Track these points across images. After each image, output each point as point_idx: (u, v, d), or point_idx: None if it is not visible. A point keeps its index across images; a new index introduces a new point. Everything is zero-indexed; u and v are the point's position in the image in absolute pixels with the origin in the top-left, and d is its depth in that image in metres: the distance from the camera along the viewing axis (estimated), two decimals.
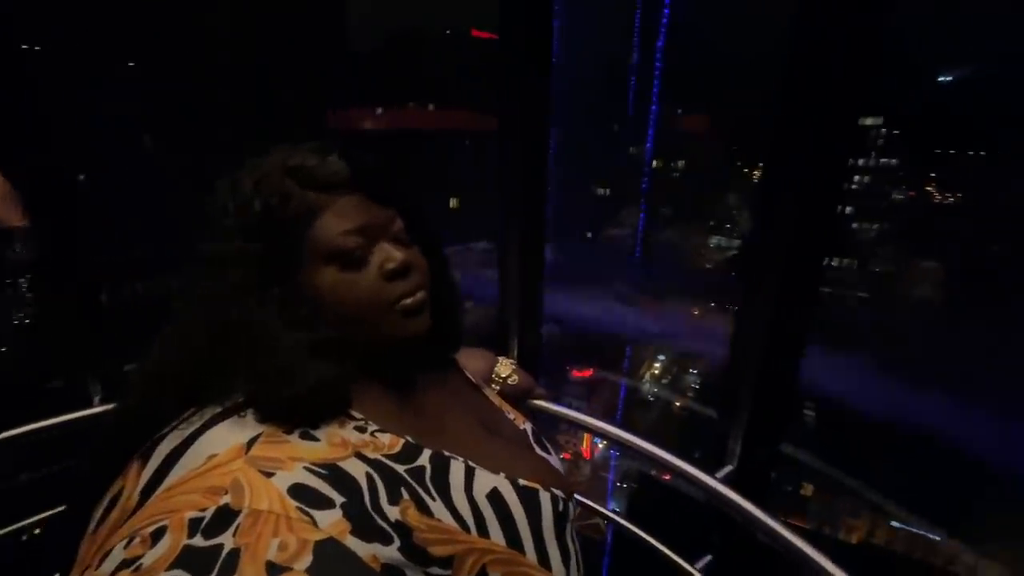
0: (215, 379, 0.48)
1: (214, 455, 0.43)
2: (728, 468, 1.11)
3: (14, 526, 1.15)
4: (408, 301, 0.55)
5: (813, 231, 0.89)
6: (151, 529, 0.38)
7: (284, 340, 0.49)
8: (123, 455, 0.47)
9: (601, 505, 1.20)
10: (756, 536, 0.89)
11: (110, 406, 1.28)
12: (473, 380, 0.80)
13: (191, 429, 0.46)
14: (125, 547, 0.38)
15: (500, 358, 1.01)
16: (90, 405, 1.34)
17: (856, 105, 0.88)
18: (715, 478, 0.93)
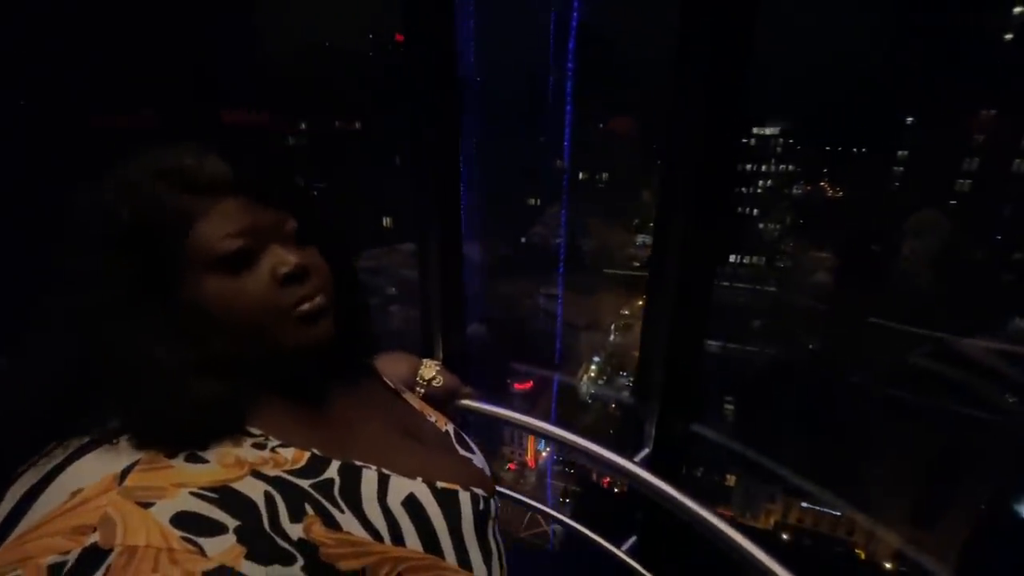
0: (81, 408, 0.43)
1: (79, 490, 0.38)
2: (645, 451, 1.17)
3: None
4: (306, 307, 0.51)
5: (706, 230, 0.97)
6: None
7: (164, 360, 0.44)
8: None
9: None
10: (675, 514, 0.94)
11: None
12: (392, 385, 0.78)
13: (52, 464, 0.40)
14: None
15: (424, 360, 0.99)
16: None
17: (738, 105, 0.96)
18: (633, 462, 0.98)
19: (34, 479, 0.39)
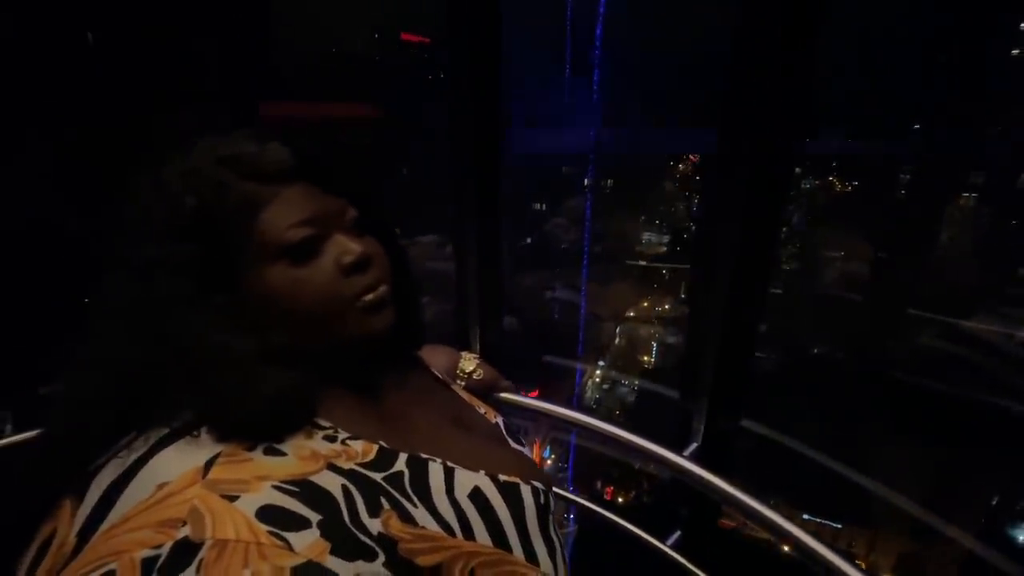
0: (156, 399, 0.43)
1: (165, 483, 0.38)
2: (693, 446, 1.15)
3: None
4: (370, 296, 0.51)
5: (764, 216, 0.93)
6: None
7: (234, 350, 0.44)
8: (50, 493, 0.41)
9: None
10: (723, 509, 0.92)
11: (29, 435, 1.15)
12: (440, 376, 0.78)
13: (134, 456, 0.40)
14: None
15: (463, 353, 0.99)
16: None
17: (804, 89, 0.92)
18: (683, 456, 0.96)
19: (118, 471, 0.39)
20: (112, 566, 0.33)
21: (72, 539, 0.37)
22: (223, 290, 0.46)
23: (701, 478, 0.92)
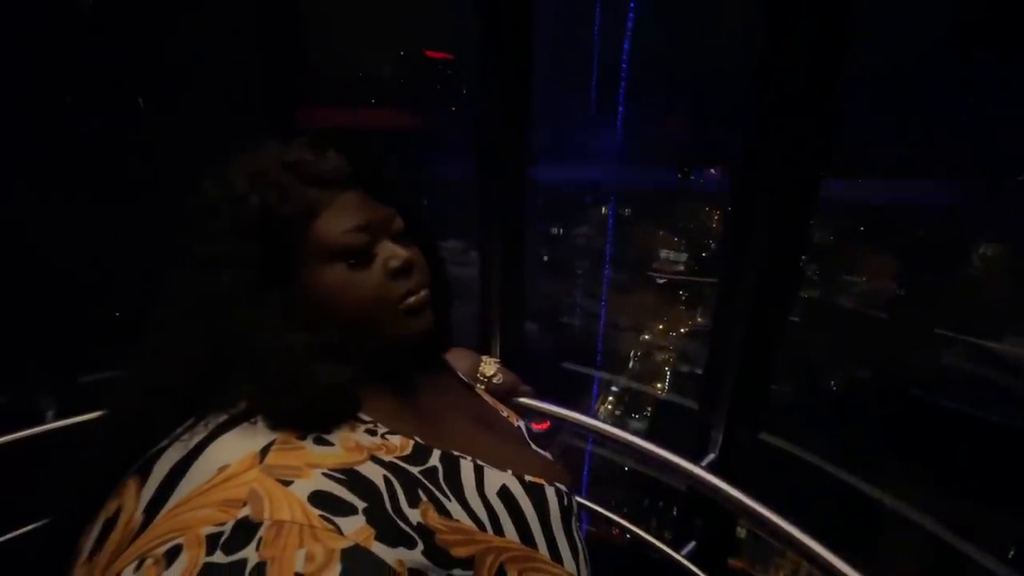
0: (217, 387, 0.46)
1: (226, 466, 0.41)
2: (711, 456, 1.15)
3: None
4: (412, 300, 0.54)
5: (788, 228, 0.94)
6: (163, 549, 0.36)
7: (290, 344, 0.47)
8: (115, 471, 0.44)
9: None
10: (739, 520, 0.93)
11: (71, 421, 1.20)
12: (465, 379, 0.80)
13: (196, 439, 0.43)
14: (136, 570, 0.35)
15: (484, 357, 1.01)
16: (43, 421, 1.26)
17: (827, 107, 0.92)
18: (700, 466, 0.96)
19: (181, 453, 0.42)
20: (179, 540, 0.36)
21: (139, 515, 0.39)
22: (280, 287, 0.49)
23: (718, 488, 0.92)
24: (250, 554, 0.36)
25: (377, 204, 0.54)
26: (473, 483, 0.51)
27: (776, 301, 1.02)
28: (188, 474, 0.41)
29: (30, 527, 1.05)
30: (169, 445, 0.44)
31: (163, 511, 0.39)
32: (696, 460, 1.00)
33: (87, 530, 0.43)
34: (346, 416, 0.49)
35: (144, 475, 0.42)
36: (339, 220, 0.51)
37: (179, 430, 0.45)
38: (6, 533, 1.10)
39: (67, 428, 1.21)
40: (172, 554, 0.35)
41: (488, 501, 0.51)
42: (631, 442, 1.05)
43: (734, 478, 0.94)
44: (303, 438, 0.45)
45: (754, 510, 0.88)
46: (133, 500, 0.41)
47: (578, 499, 1.17)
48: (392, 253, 0.53)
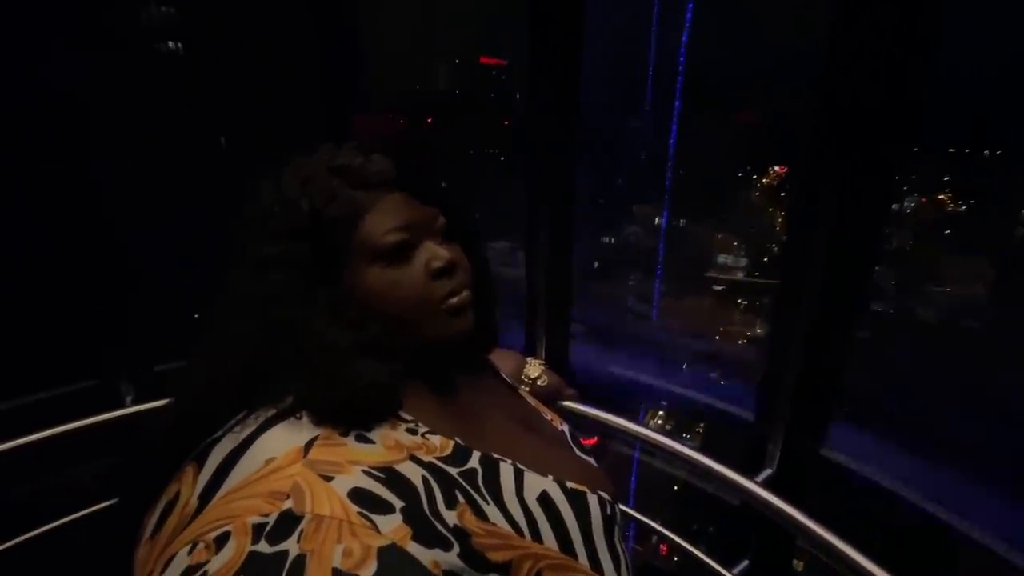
0: (267, 381, 0.48)
1: (272, 459, 0.42)
2: (767, 472, 1.08)
3: (46, 526, 1.16)
4: (454, 300, 0.54)
5: (859, 227, 0.86)
6: (214, 535, 0.38)
7: (335, 341, 0.48)
8: (178, 456, 0.47)
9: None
10: (796, 540, 0.87)
11: (148, 406, 1.30)
12: (508, 381, 0.79)
13: (247, 432, 0.45)
14: (189, 553, 0.37)
15: (528, 359, 1.00)
16: (122, 405, 1.37)
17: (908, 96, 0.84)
18: (755, 481, 0.91)
19: (232, 444, 0.45)
20: (228, 528, 0.38)
21: (194, 501, 0.42)
22: (328, 287, 0.51)
23: (773, 506, 0.87)
24: (292, 546, 0.37)
25: (421, 205, 0.55)
26: (512, 487, 0.51)
27: (845, 305, 0.95)
28: (238, 465, 0.43)
29: (105, 503, 1.14)
30: (223, 435, 0.46)
31: (215, 498, 0.41)
32: (751, 475, 0.95)
33: (151, 510, 0.46)
34: (387, 414, 0.50)
35: (200, 462, 0.45)
36: (382, 221, 0.52)
37: (232, 422, 0.47)
38: (89, 507, 1.20)
39: (143, 413, 1.32)
40: (221, 540, 0.37)
41: (527, 506, 0.50)
42: (681, 452, 1.00)
43: (793, 495, 0.88)
44: (345, 435, 0.46)
45: (814, 531, 0.82)
46: (190, 486, 0.43)
47: (628, 510, 1.15)
48: (434, 253, 0.54)
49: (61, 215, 1.57)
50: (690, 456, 0.98)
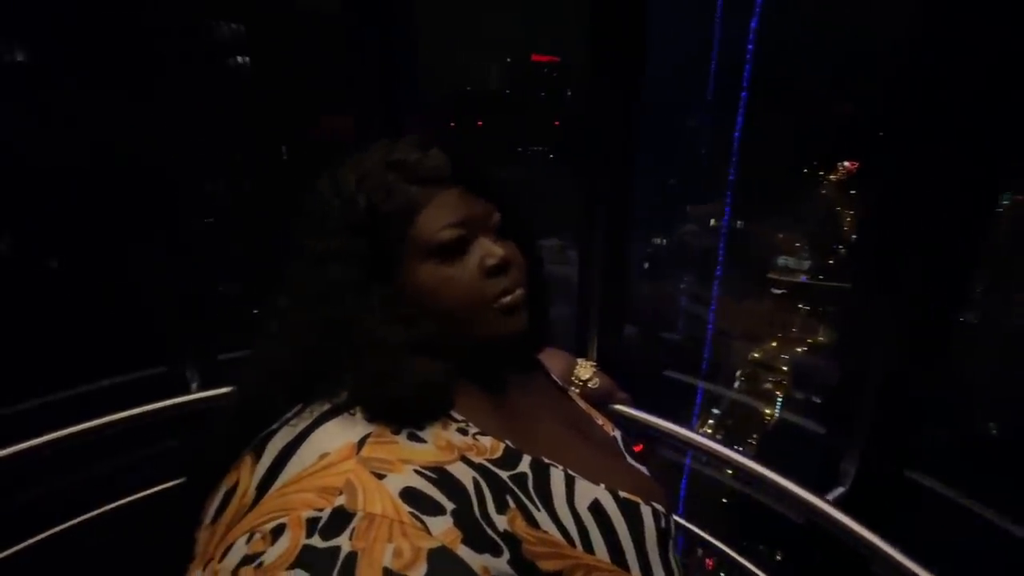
0: (323, 376, 0.48)
1: (326, 453, 0.42)
2: (840, 490, 1.00)
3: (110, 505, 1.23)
4: (507, 299, 0.53)
5: (959, 227, 0.76)
6: (270, 526, 0.38)
7: (389, 338, 0.47)
8: (238, 446, 0.48)
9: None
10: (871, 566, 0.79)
11: (212, 392, 1.37)
12: (559, 383, 0.77)
13: (302, 425, 0.45)
14: (247, 542, 0.38)
15: (579, 360, 0.97)
16: (188, 392, 1.44)
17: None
18: (825, 500, 0.83)
19: (289, 437, 0.45)
20: (283, 520, 0.38)
21: (252, 491, 0.42)
22: (383, 282, 0.50)
23: (846, 527, 0.79)
24: (343, 542, 0.36)
25: (476, 200, 0.54)
26: (563, 494, 0.48)
27: (937, 312, 0.85)
28: (293, 458, 0.43)
29: (168, 484, 1.20)
30: (279, 428, 0.46)
31: (271, 490, 0.41)
32: (821, 492, 0.87)
33: (211, 495, 0.47)
34: (438, 413, 0.49)
35: (258, 453, 0.45)
36: (437, 216, 0.51)
37: (288, 414, 0.47)
38: (156, 486, 1.27)
39: (207, 400, 1.39)
40: (277, 532, 0.37)
41: (579, 515, 0.48)
42: (744, 464, 0.94)
43: (870, 518, 0.80)
44: (397, 432, 0.45)
45: (893, 558, 0.74)
46: (248, 476, 0.44)
47: (683, 522, 1.09)
48: (488, 251, 0.52)
49: (135, 211, 1.68)
50: (755, 470, 0.91)
